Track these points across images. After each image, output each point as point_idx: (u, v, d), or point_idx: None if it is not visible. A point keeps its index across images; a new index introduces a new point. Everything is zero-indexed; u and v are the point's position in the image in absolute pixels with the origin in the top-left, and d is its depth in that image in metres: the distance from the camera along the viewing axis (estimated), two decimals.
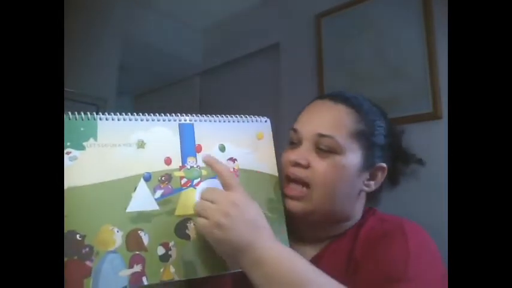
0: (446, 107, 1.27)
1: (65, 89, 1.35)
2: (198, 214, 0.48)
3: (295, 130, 0.61)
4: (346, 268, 0.54)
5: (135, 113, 0.52)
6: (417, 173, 0.69)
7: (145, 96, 2.81)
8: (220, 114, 0.59)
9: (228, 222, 0.46)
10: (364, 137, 0.58)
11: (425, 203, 1.25)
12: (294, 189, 0.57)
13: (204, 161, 0.52)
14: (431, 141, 1.28)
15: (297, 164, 0.57)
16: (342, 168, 0.56)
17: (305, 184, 0.57)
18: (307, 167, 0.56)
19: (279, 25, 1.89)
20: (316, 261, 0.58)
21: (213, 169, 0.52)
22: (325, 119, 0.59)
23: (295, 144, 0.60)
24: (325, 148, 0.57)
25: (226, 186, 0.50)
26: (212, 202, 0.48)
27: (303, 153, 0.57)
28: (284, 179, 0.59)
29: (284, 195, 0.58)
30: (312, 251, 0.60)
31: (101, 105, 1.65)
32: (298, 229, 0.62)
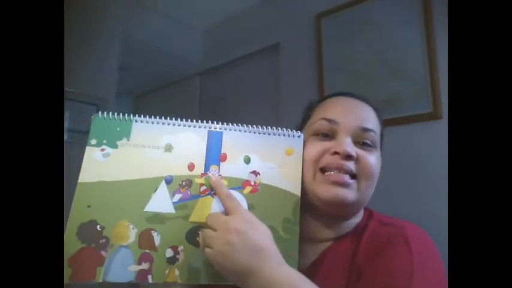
0: (446, 107, 1.27)
1: (65, 88, 1.36)
2: (204, 243, 0.49)
3: (330, 121, 0.58)
4: (348, 275, 0.54)
5: (168, 117, 0.55)
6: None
7: (146, 96, 2.82)
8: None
9: (229, 249, 0.45)
10: (382, 136, 0.62)
11: (426, 203, 1.25)
12: (344, 177, 0.55)
13: (211, 182, 0.53)
14: (431, 141, 1.28)
15: (348, 157, 0.55)
16: (379, 161, 0.59)
17: (353, 175, 0.56)
18: (356, 159, 0.56)
19: (279, 25, 1.89)
20: (317, 265, 0.58)
21: (216, 192, 0.52)
22: (365, 114, 0.60)
23: (326, 135, 0.59)
24: (369, 142, 0.58)
25: (228, 210, 0.50)
26: (215, 230, 0.48)
27: (348, 145, 0.56)
28: (315, 169, 0.57)
29: (321, 184, 0.56)
30: (313, 253, 0.60)
31: (101, 105, 1.65)
32: (301, 230, 0.62)
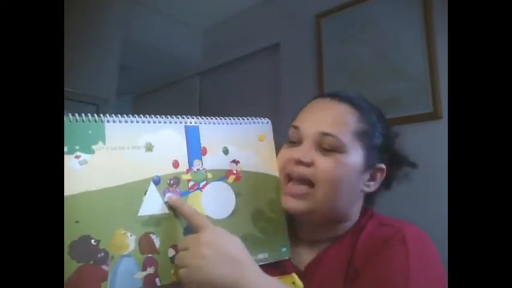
0: (446, 107, 1.26)
1: (65, 89, 1.35)
2: (178, 266, 0.46)
3: (295, 127, 0.59)
4: (345, 275, 0.54)
5: (141, 115, 0.52)
6: (410, 176, 0.67)
7: (145, 96, 2.82)
8: (222, 116, 0.59)
9: (203, 263, 0.44)
10: (365, 137, 0.58)
11: (426, 204, 1.25)
12: (295, 188, 0.56)
13: (170, 203, 0.51)
14: (431, 141, 1.28)
15: (300, 162, 0.56)
16: (345, 167, 0.56)
17: (308, 183, 0.56)
18: (311, 165, 0.55)
19: (279, 25, 1.89)
20: (315, 265, 0.58)
21: (178, 212, 0.51)
22: (328, 118, 0.58)
23: (294, 142, 0.59)
24: (328, 147, 0.56)
25: (196, 228, 0.48)
26: (186, 249, 0.46)
27: (305, 151, 0.56)
28: (283, 177, 0.58)
29: (283, 194, 0.58)
30: (310, 253, 0.60)
31: (101, 105, 1.65)
32: (296, 230, 0.62)
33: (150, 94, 2.77)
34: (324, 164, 0.55)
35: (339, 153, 0.56)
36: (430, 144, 1.29)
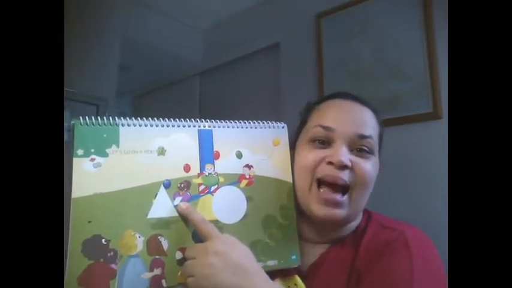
0: (446, 107, 1.26)
1: (65, 89, 1.35)
2: (186, 275, 0.47)
3: (326, 128, 0.57)
4: (348, 277, 0.54)
5: (155, 118, 0.53)
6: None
7: (145, 96, 2.82)
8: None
9: (211, 272, 0.44)
10: (381, 141, 0.60)
11: (426, 203, 1.25)
12: (334, 196, 0.54)
13: (180, 210, 0.51)
14: (432, 141, 1.28)
15: (344, 167, 0.54)
16: (377, 169, 0.58)
17: (342, 188, 0.54)
18: (351, 168, 0.54)
19: (279, 25, 1.89)
20: (317, 267, 0.58)
21: (188, 219, 0.51)
22: (363, 120, 0.58)
23: (323, 143, 0.57)
24: (367, 149, 0.56)
25: (204, 236, 0.49)
26: (194, 258, 0.47)
27: (344, 155, 0.54)
28: (313, 181, 0.56)
29: (314, 201, 0.56)
30: (313, 254, 0.60)
31: (101, 105, 1.65)
32: (299, 231, 0.62)
33: (150, 94, 2.77)
34: (363, 166, 0.55)
35: (373, 155, 0.57)
36: (430, 144, 1.29)
